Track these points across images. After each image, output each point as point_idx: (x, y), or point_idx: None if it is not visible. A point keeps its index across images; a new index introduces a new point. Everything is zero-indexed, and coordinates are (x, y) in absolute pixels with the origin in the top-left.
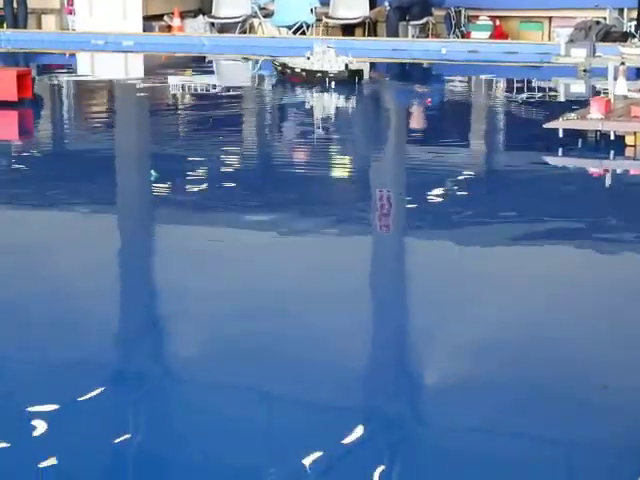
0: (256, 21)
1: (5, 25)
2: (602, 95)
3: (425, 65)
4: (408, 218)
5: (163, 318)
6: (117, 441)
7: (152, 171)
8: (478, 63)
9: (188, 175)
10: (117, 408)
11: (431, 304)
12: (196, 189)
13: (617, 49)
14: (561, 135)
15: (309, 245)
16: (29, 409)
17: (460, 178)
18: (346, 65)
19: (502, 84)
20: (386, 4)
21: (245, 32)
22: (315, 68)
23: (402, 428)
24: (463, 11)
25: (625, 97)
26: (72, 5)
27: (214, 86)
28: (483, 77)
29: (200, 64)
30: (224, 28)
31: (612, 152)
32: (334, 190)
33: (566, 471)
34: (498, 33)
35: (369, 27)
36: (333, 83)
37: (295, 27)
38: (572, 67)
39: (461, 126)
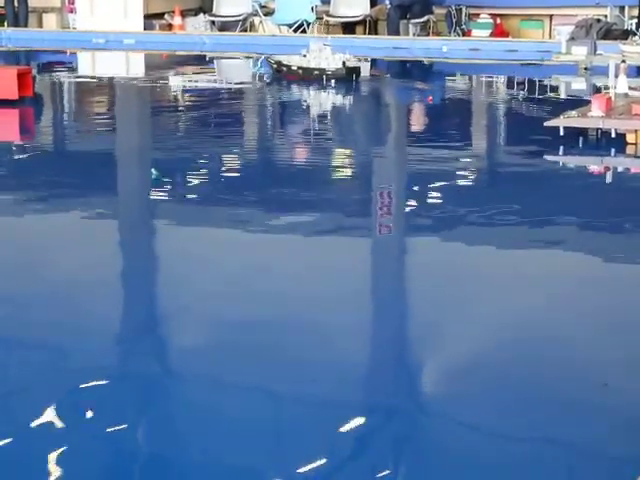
0: (257, 19)
1: (6, 23)
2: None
3: (426, 63)
4: (407, 217)
5: (164, 317)
6: (118, 441)
7: (153, 170)
8: (479, 61)
9: (188, 174)
10: (117, 408)
11: (431, 304)
12: (196, 188)
13: (618, 47)
14: (562, 133)
15: (309, 245)
16: (29, 409)
17: (460, 176)
18: (343, 62)
19: (503, 82)
20: (387, 2)
21: (246, 30)
22: (312, 66)
23: (402, 427)
24: (464, 9)
25: (626, 95)
26: (73, 4)
27: (214, 81)
28: (484, 75)
29: (201, 62)
30: (225, 26)
31: (613, 150)
32: (334, 190)
33: (566, 471)
34: (499, 31)
35: (370, 25)
36: (332, 81)
37: (296, 25)
38: (573, 65)
39: (461, 124)
